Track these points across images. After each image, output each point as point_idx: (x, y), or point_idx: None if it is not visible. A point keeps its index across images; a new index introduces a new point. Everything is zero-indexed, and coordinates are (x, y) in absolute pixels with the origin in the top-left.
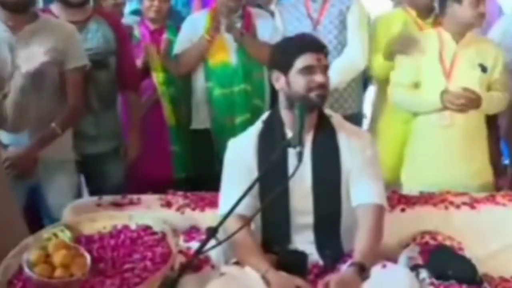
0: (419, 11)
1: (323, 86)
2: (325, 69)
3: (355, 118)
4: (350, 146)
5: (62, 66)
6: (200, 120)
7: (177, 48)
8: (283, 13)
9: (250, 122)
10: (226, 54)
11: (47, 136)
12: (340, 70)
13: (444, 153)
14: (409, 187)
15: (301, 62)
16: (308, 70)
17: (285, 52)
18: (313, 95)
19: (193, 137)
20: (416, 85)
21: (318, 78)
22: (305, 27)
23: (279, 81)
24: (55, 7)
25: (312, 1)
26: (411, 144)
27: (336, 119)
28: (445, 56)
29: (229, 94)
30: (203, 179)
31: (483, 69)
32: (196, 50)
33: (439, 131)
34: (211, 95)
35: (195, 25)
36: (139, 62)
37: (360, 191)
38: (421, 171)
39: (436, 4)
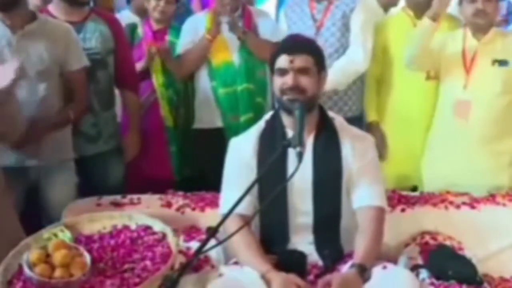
0: (416, 11)
1: (295, 89)
2: (301, 71)
3: (356, 121)
4: (352, 148)
5: (63, 67)
6: (203, 120)
7: (179, 50)
8: (288, 13)
9: (253, 120)
10: (228, 54)
11: (61, 121)
12: (340, 72)
13: (460, 147)
14: (430, 181)
15: (277, 63)
16: (280, 72)
17: (273, 53)
18: (285, 98)
19: (195, 137)
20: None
21: (288, 80)
22: (308, 28)
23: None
24: (52, 7)
25: (316, 2)
26: (431, 139)
27: (339, 121)
28: (467, 52)
29: (232, 93)
30: (205, 179)
31: (502, 63)
32: (197, 51)
33: (454, 124)
34: (216, 95)
35: (196, 26)
36: (140, 64)
37: (361, 193)
38: (442, 167)
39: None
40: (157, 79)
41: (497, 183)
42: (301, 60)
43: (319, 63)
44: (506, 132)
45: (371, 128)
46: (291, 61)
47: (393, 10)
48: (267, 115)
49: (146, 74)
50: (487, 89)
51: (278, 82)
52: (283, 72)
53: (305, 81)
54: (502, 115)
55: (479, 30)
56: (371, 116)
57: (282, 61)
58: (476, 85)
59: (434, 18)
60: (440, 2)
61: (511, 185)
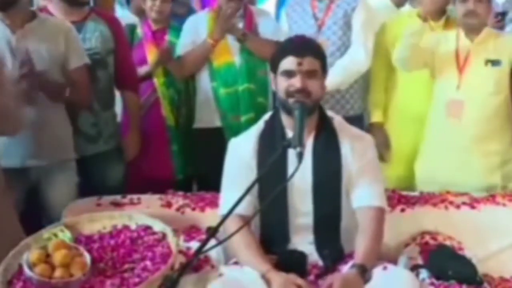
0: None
1: (302, 91)
2: (309, 73)
3: (357, 120)
4: (351, 148)
5: (63, 65)
6: (203, 119)
7: (180, 50)
8: (289, 12)
9: (254, 120)
10: (230, 55)
11: (54, 84)
12: (342, 71)
13: (454, 147)
14: (423, 182)
15: (283, 65)
16: (287, 74)
17: (275, 54)
18: (291, 101)
19: (195, 136)
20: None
21: (296, 82)
22: (309, 27)
23: (273, 82)
24: (52, 7)
25: (318, 1)
26: (425, 139)
27: (338, 121)
28: (460, 53)
29: (233, 93)
30: (205, 178)
31: (495, 63)
32: (199, 53)
33: (447, 124)
34: (216, 95)
35: (196, 26)
36: (145, 69)
37: (361, 193)
38: (435, 167)
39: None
40: (158, 79)
41: (490, 183)
42: (309, 63)
43: (324, 66)
44: (498, 132)
45: (374, 128)
46: (300, 64)
47: (404, 8)
48: (266, 116)
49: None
50: (480, 89)
51: (284, 84)
52: (290, 74)
53: (312, 84)
54: (494, 115)
55: (472, 30)
56: (376, 116)
57: (290, 63)
58: (469, 85)
59: (425, 18)
60: (428, 2)
61: (504, 184)
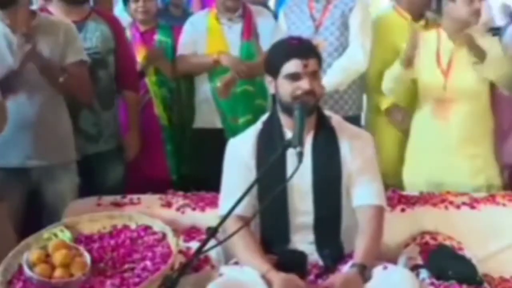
0: (412, 14)
1: (310, 93)
2: (313, 74)
3: (355, 120)
4: (350, 146)
5: (62, 62)
6: (204, 119)
7: (181, 50)
8: (287, 13)
9: (253, 122)
10: None
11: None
12: (341, 71)
13: (440, 147)
14: (410, 184)
15: (286, 68)
16: (293, 76)
17: (273, 57)
18: (297, 103)
19: (195, 136)
20: (413, 82)
21: (304, 85)
22: (307, 28)
23: (271, 85)
24: (52, 7)
25: (315, 2)
26: (410, 141)
27: (336, 120)
28: (442, 55)
29: (231, 95)
30: (203, 178)
31: (478, 65)
32: (198, 65)
33: (434, 125)
34: (215, 96)
35: (196, 26)
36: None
37: (360, 192)
38: (421, 168)
39: (427, 11)
40: (149, 78)
41: (475, 184)
42: (313, 64)
43: (321, 66)
44: (481, 135)
45: (391, 111)
46: (305, 66)
47: (383, 6)
48: (264, 116)
49: (140, 73)
50: (465, 91)
51: (290, 87)
52: (296, 76)
53: (316, 84)
54: (477, 116)
55: (457, 31)
56: (386, 103)
57: (295, 65)
58: (454, 86)
59: (407, 64)
60: (410, 45)
61: (488, 184)
